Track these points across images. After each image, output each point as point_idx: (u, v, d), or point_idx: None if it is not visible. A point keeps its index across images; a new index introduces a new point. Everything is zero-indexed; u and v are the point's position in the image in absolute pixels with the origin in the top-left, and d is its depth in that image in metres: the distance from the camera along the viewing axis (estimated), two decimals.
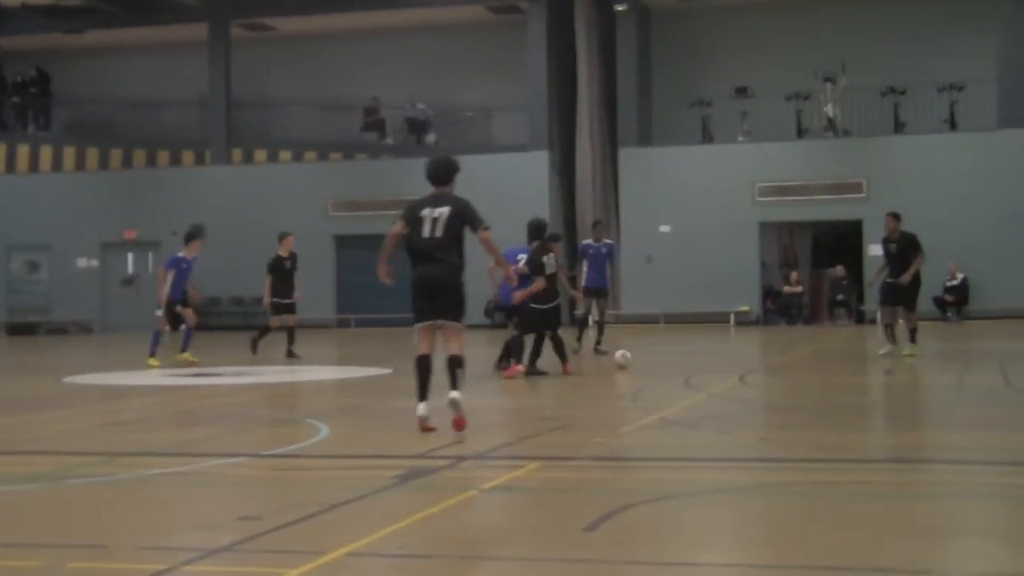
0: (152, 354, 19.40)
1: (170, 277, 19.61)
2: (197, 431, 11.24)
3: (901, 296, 17.67)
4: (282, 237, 21.02)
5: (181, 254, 19.82)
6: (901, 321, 18.09)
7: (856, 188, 30.39)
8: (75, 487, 8.29)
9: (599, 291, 20.60)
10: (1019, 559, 6.10)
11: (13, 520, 7.23)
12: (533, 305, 15.48)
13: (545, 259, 15.49)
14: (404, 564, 6.04)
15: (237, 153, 34.73)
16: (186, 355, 19.58)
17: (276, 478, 8.64)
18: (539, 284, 15.39)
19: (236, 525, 6.81)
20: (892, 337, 17.94)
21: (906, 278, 17.49)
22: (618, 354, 16.84)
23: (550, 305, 15.58)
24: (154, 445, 10.29)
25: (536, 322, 15.54)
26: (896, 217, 17.95)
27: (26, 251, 34.94)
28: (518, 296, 15.33)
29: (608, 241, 21.17)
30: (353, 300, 32.67)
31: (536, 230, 15.83)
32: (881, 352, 17.94)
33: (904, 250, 17.58)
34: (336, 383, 16.86)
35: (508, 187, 31.73)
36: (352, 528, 6.72)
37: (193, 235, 20.07)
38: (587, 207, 32.18)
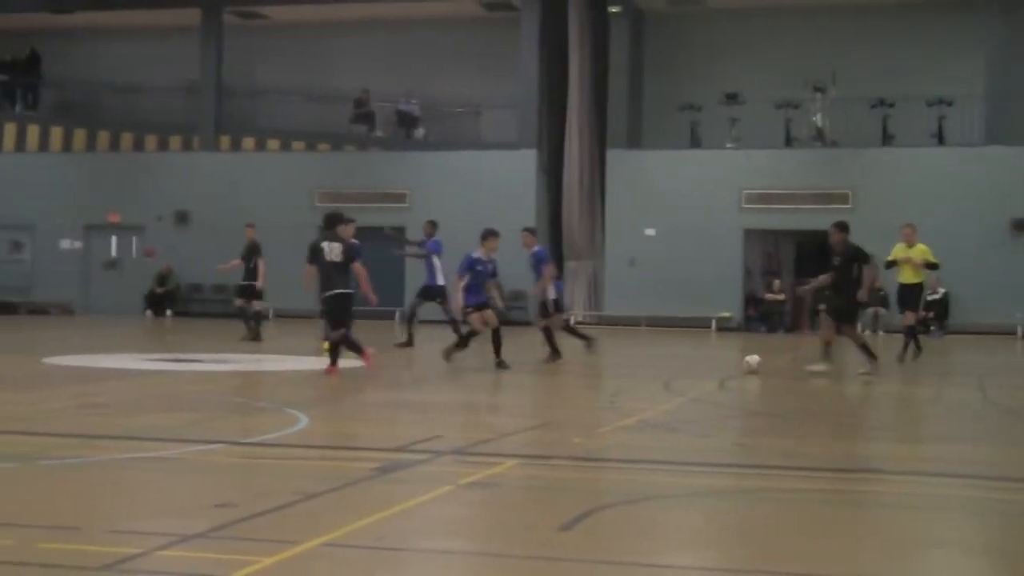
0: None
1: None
2: (175, 416, 11.20)
3: (839, 312, 16.70)
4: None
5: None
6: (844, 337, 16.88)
7: (843, 199, 30.43)
8: (50, 468, 8.27)
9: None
10: (987, 572, 6.13)
11: None
12: (324, 294, 15.45)
13: (325, 245, 15.39)
14: (379, 556, 6.03)
15: (225, 140, 34.62)
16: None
17: (252, 466, 8.62)
18: (309, 272, 15.63)
19: (211, 512, 6.79)
20: (828, 354, 16.72)
21: (862, 295, 16.67)
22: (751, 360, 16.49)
23: (333, 292, 15.35)
24: (131, 429, 10.26)
25: (337, 312, 15.41)
26: (840, 228, 17.05)
27: (9, 230, 34.76)
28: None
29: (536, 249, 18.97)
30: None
31: (330, 220, 15.88)
32: (812, 368, 16.71)
33: (846, 263, 16.73)
34: (315, 373, 16.83)
35: (495, 184, 31.72)
36: (328, 518, 6.71)
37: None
38: (573, 207, 32.19)
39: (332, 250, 15.34)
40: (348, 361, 17.35)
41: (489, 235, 17.21)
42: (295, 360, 18.67)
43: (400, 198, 32.12)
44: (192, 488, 7.79)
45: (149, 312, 32.51)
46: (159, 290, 32.82)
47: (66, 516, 6.72)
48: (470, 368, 16.77)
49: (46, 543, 6.03)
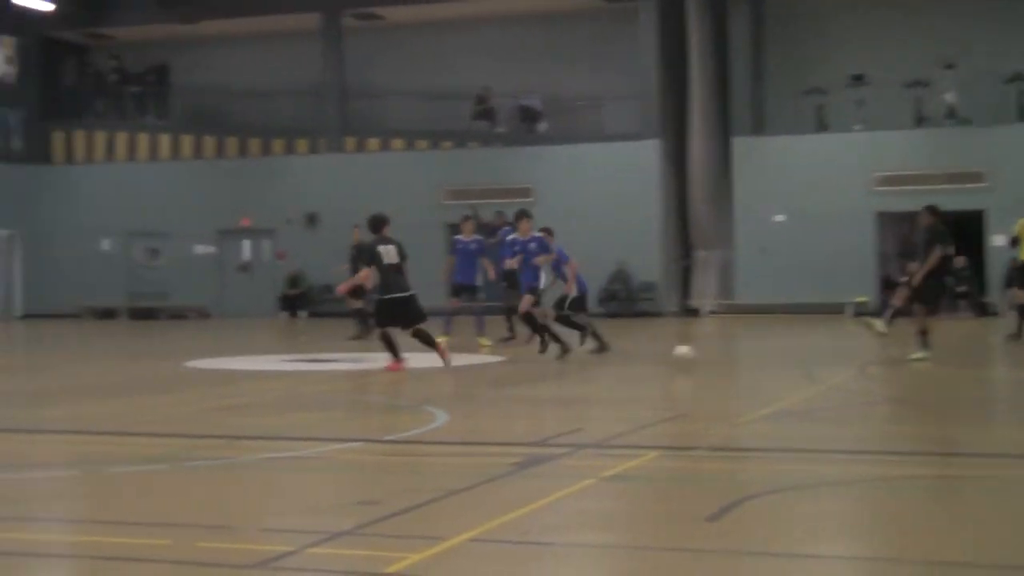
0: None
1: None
2: (314, 415, 11.34)
3: (915, 294, 16.01)
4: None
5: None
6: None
7: (977, 178, 29.70)
8: (196, 468, 8.43)
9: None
10: None
11: (139, 500, 7.37)
12: (381, 297, 15.49)
13: (381, 249, 15.35)
14: (526, 551, 6.03)
15: (350, 141, 35.00)
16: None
17: (394, 464, 8.69)
18: (364, 274, 15.80)
19: (356, 509, 6.86)
20: (925, 342, 15.71)
21: (917, 277, 15.99)
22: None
23: (390, 296, 15.31)
24: (272, 429, 10.42)
25: (383, 313, 15.41)
26: (930, 211, 16.32)
27: (146, 238, 35.63)
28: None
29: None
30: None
31: (375, 223, 15.70)
32: (913, 356, 15.71)
33: (928, 247, 15.97)
34: (451, 370, 16.92)
35: (619, 176, 31.58)
36: (471, 514, 6.73)
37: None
38: (699, 196, 31.91)
39: (387, 252, 15.33)
40: (469, 358, 17.46)
41: (522, 216, 17.96)
42: (432, 358, 18.79)
43: (525, 192, 32.14)
44: (336, 486, 7.87)
45: (284, 313, 33.02)
46: (291, 292, 33.32)
47: (217, 515, 6.84)
48: (601, 361, 16.70)
49: (202, 542, 6.14)
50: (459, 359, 15.97)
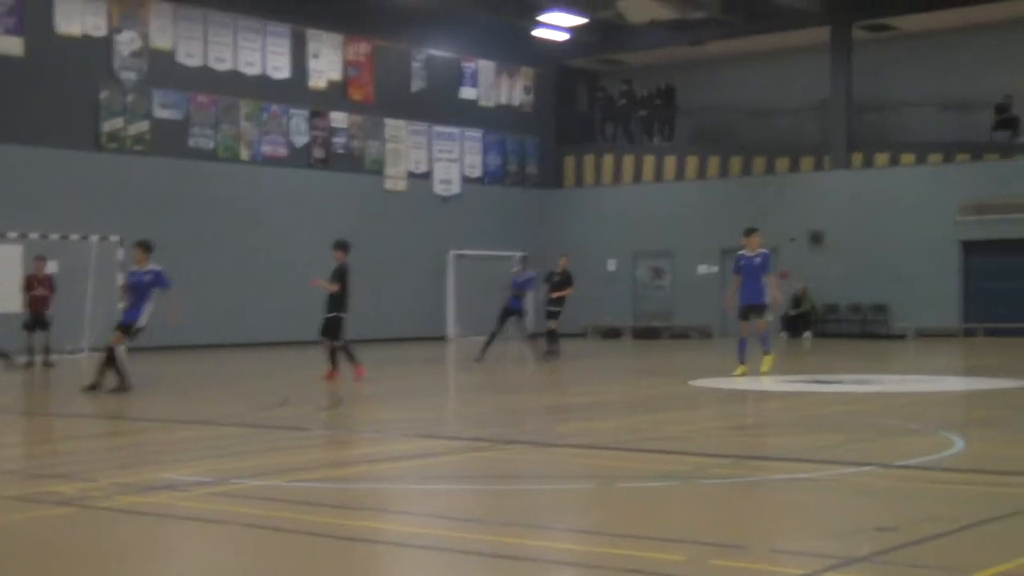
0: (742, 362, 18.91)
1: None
2: (823, 437, 11.07)
3: None
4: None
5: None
6: None
7: None
8: (708, 486, 8.41)
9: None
10: None
11: (653, 515, 7.44)
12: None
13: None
14: None
15: (857, 157, 34.19)
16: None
17: (910, 489, 8.29)
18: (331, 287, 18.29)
19: (872, 535, 6.59)
20: None
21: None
22: None
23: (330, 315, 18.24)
24: (782, 450, 10.27)
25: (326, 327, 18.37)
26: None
27: (651, 258, 36.49)
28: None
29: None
30: (981, 308, 31.14)
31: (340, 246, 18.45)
32: None
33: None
34: (966, 394, 16.07)
35: None
36: (997, 548, 6.28)
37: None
38: None
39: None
40: (1004, 380, 16.56)
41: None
42: (942, 380, 17.96)
43: None
44: (850, 510, 7.60)
45: (784, 334, 32.69)
46: (794, 312, 32.94)
47: (730, 534, 6.77)
48: None
49: (715, 560, 6.09)
50: (964, 383, 15.09)
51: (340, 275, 18.24)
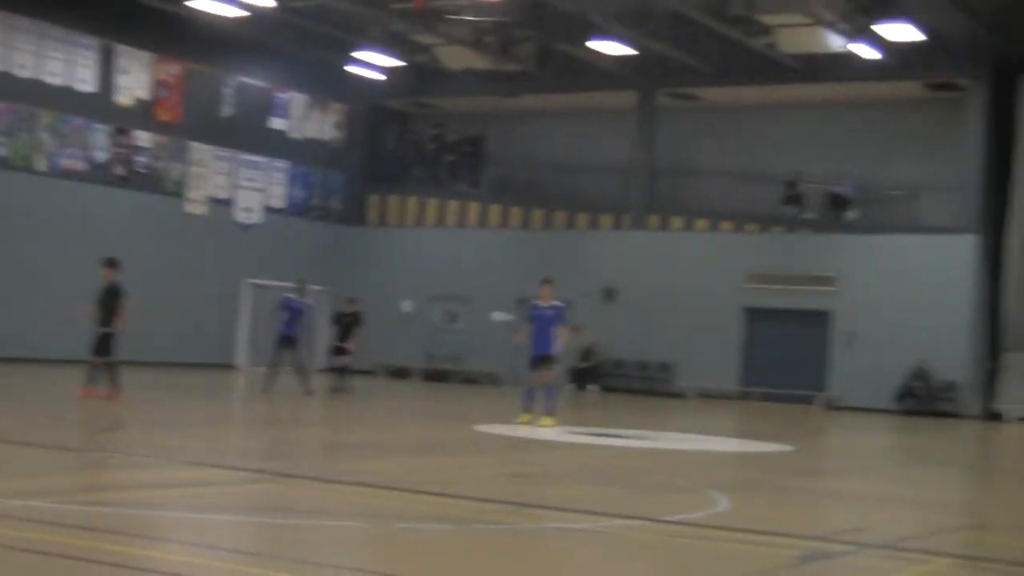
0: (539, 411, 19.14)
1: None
2: (599, 490, 11.35)
3: None
4: None
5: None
6: None
7: None
8: (480, 531, 8.54)
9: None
10: None
11: (421, 556, 7.52)
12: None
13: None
14: None
15: (654, 219, 35.12)
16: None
17: (675, 545, 8.58)
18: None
19: None
20: None
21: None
22: None
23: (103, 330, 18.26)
24: (557, 499, 10.49)
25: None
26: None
27: (447, 301, 36.71)
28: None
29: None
30: (760, 373, 32.28)
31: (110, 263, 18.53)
32: None
33: None
34: (737, 455, 16.65)
35: (928, 269, 30.60)
36: None
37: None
38: (1015, 296, 30.46)
39: None
40: (772, 444, 17.15)
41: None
42: (717, 440, 18.56)
43: (828, 281, 31.52)
44: (620, 563, 7.82)
45: (571, 385, 33.23)
46: (583, 365, 33.55)
47: None
48: (891, 459, 16.11)
49: None
50: (736, 445, 15.68)
51: (115, 294, 18.16)
